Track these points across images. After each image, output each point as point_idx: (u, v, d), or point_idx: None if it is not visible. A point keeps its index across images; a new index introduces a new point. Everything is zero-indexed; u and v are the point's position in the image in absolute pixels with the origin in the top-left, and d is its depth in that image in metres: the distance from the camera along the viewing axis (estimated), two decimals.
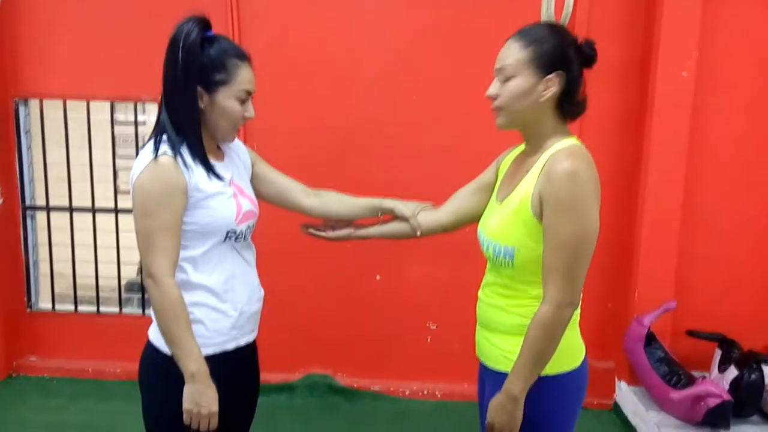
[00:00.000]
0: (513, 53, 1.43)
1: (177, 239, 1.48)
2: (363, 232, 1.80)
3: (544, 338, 1.39)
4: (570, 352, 1.48)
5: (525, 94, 1.42)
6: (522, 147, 1.61)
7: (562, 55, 1.42)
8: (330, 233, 1.81)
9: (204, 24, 1.50)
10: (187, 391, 1.48)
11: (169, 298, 1.45)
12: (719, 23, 2.84)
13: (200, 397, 1.47)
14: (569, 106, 1.46)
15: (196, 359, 1.47)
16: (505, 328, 1.51)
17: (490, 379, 1.56)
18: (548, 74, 1.41)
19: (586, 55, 1.45)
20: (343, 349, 3.25)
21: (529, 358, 1.41)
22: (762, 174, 2.95)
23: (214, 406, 1.49)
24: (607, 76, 2.91)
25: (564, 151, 1.40)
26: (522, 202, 1.42)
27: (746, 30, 2.86)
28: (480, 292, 1.62)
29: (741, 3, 2.84)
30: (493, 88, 1.47)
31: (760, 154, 2.94)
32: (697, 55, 2.79)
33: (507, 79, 1.44)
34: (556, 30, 1.46)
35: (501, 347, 1.51)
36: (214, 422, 1.49)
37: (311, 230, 1.82)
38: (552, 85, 1.42)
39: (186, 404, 1.48)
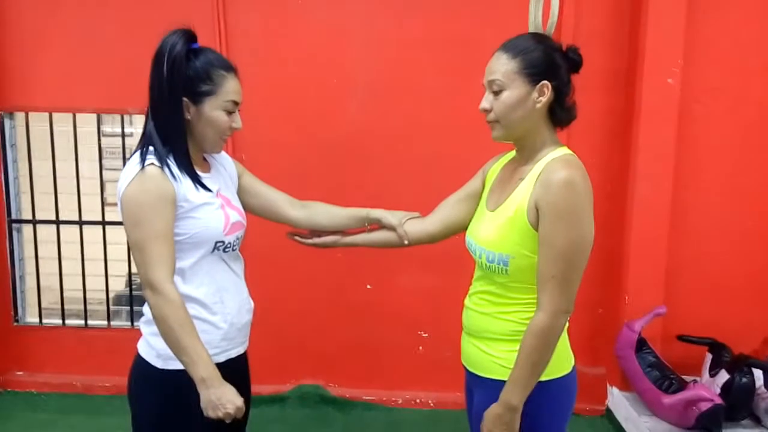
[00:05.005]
0: (502, 65, 1.44)
1: (171, 246, 1.47)
2: (349, 239, 1.80)
3: (541, 346, 1.40)
4: (559, 359, 1.48)
5: (519, 104, 1.44)
6: (510, 155, 1.62)
7: (550, 61, 1.44)
8: (316, 240, 1.81)
9: (189, 36, 1.50)
10: (204, 399, 1.43)
11: (173, 305, 1.42)
12: (704, 31, 2.87)
13: (219, 399, 1.42)
14: (561, 113, 1.48)
15: (205, 364, 1.43)
16: (496, 335, 1.51)
17: (481, 388, 1.55)
18: (539, 82, 1.42)
19: (573, 61, 1.48)
20: (335, 359, 3.23)
21: (526, 367, 1.41)
22: (749, 178, 2.98)
23: (238, 400, 1.44)
24: (594, 84, 2.92)
25: (559, 160, 1.42)
26: (517, 210, 1.43)
27: (730, 37, 2.89)
28: (467, 300, 1.62)
29: (725, 11, 2.87)
30: (486, 101, 1.48)
31: (747, 159, 2.97)
32: (682, 63, 2.82)
33: (499, 92, 1.45)
34: (540, 38, 1.48)
35: (493, 355, 1.51)
36: (241, 412, 1.45)
37: (297, 237, 1.83)
38: (546, 92, 1.43)
39: (208, 412, 1.43)
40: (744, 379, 2.67)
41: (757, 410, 2.72)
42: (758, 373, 2.68)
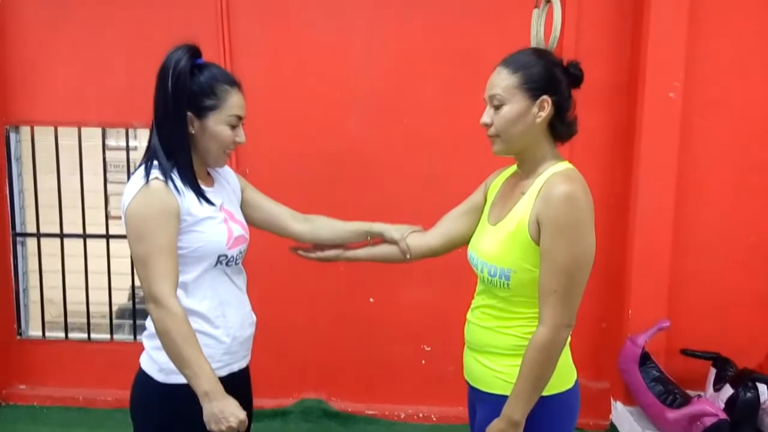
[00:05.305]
0: (502, 80, 1.46)
1: (175, 261, 1.47)
2: (352, 253, 1.81)
3: (543, 361, 1.40)
4: (562, 374, 1.48)
5: (519, 118, 1.44)
6: (511, 169, 1.63)
7: (551, 76, 1.45)
8: (319, 254, 1.82)
9: (194, 51, 1.52)
10: (207, 412, 1.43)
11: (176, 319, 1.43)
12: (705, 45, 2.87)
13: (222, 412, 1.42)
14: (562, 127, 1.49)
15: (208, 377, 1.43)
16: (499, 349, 1.51)
17: (484, 403, 1.55)
18: (539, 97, 1.43)
19: (573, 76, 1.49)
20: (337, 373, 3.22)
21: (528, 382, 1.41)
22: (752, 192, 2.97)
23: (241, 413, 1.44)
24: (595, 98, 2.93)
25: (560, 174, 1.43)
26: (519, 224, 1.44)
27: (732, 50, 2.90)
28: (469, 315, 1.62)
29: (726, 25, 2.88)
30: (487, 116, 1.49)
31: (749, 172, 2.96)
32: (683, 77, 2.82)
33: (499, 106, 1.46)
34: (541, 53, 1.50)
35: (495, 369, 1.51)
36: (244, 426, 1.45)
37: (300, 251, 1.84)
38: (546, 107, 1.44)
39: (211, 425, 1.43)
40: (748, 394, 2.65)
41: (762, 425, 2.70)
42: (763, 388, 2.66)
